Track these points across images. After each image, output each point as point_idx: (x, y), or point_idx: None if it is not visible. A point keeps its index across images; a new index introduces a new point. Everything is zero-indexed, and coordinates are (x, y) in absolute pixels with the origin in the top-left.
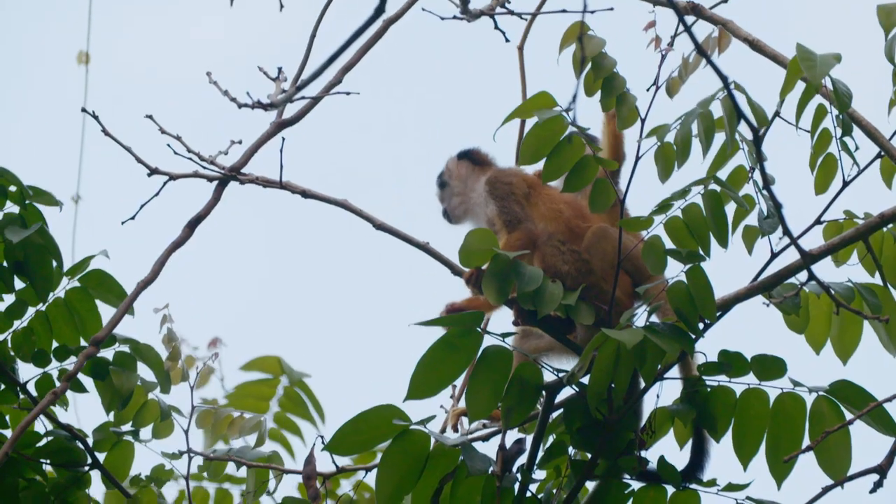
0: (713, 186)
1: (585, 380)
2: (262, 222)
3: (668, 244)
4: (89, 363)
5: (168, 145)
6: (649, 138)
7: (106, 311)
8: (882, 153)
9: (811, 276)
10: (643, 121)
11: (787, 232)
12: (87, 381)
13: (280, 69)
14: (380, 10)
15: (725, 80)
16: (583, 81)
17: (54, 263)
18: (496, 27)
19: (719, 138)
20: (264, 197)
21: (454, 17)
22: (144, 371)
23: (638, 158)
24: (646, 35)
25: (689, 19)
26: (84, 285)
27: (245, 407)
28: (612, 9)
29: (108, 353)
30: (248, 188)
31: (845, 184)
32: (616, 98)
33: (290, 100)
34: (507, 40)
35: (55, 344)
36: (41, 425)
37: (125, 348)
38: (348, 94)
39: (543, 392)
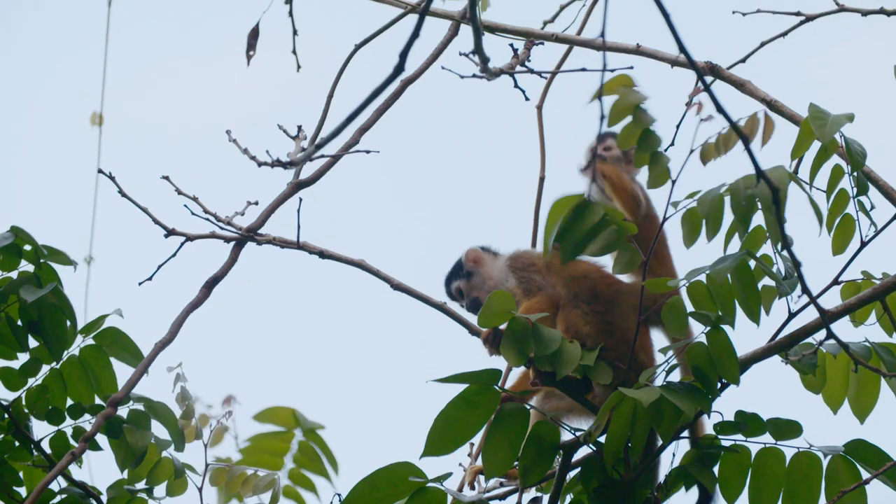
0: (743, 257)
1: (602, 438)
2: (280, 281)
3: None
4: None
5: (185, 206)
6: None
7: (120, 369)
8: None
9: (829, 335)
10: (673, 182)
11: (805, 289)
12: (101, 438)
13: (300, 127)
14: (399, 68)
15: (775, 190)
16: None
17: (68, 323)
18: (516, 85)
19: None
20: (282, 257)
21: (474, 76)
22: (159, 429)
23: (665, 220)
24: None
25: (708, 79)
26: (99, 343)
27: (259, 463)
28: (631, 67)
29: (122, 412)
30: (265, 248)
31: (863, 244)
32: (650, 155)
33: (310, 158)
34: (526, 99)
35: (69, 401)
36: (55, 483)
37: (140, 406)
38: (367, 152)
39: (561, 451)
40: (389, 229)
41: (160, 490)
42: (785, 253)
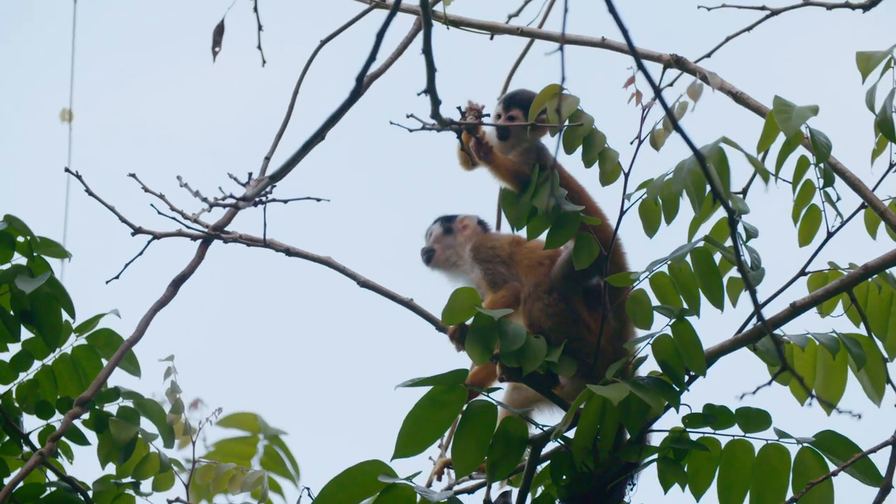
0: (700, 244)
1: (571, 433)
2: (248, 280)
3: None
4: (92, 415)
5: (151, 204)
6: (638, 191)
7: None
8: (865, 204)
9: (773, 337)
10: (626, 175)
11: (754, 300)
12: (90, 434)
13: (250, 174)
14: (357, 92)
15: (696, 151)
16: (563, 139)
17: (64, 314)
18: (463, 148)
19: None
20: (249, 255)
21: (423, 128)
22: (148, 426)
23: (622, 213)
24: (626, 91)
25: (675, 72)
26: (91, 344)
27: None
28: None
29: (112, 408)
30: (232, 246)
31: (829, 235)
32: (598, 154)
33: (264, 194)
34: (473, 164)
35: (59, 398)
36: (45, 477)
37: (129, 403)
38: (318, 200)
39: (529, 445)
40: (358, 226)
41: (147, 485)
42: (751, 244)
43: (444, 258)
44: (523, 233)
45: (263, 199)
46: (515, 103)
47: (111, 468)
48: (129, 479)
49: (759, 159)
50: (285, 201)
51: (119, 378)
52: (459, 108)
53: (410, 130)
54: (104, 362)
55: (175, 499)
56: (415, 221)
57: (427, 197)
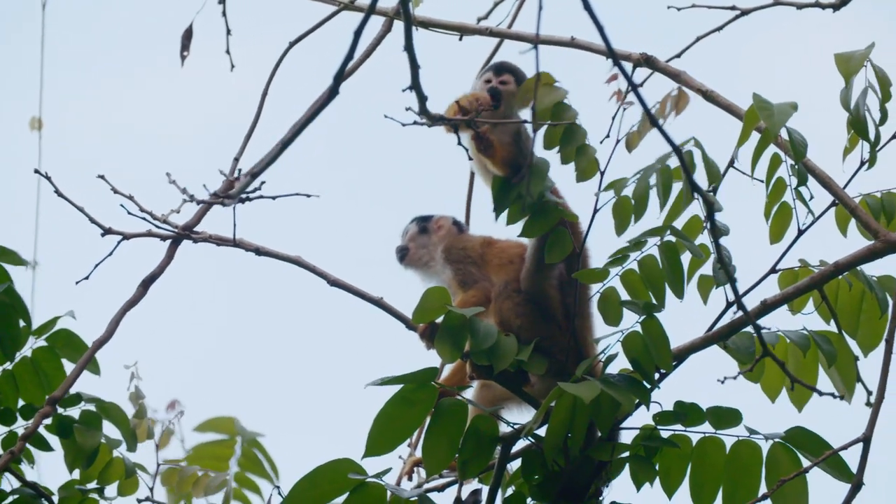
0: (669, 237)
1: (542, 430)
2: (219, 280)
3: (624, 296)
4: (55, 420)
5: (121, 205)
6: (607, 191)
7: (71, 370)
8: (836, 202)
9: (754, 325)
10: (602, 174)
11: (734, 289)
12: (53, 440)
13: (239, 170)
14: (333, 91)
15: (674, 145)
16: (543, 133)
17: (21, 323)
18: (459, 143)
19: (676, 187)
20: (220, 255)
21: (414, 123)
22: (111, 430)
23: (595, 212)
24: (604, 90)
25: (645, 71)
26: (51, 345)
27: (206, 466)
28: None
29: (74, 412)
30: (203, 247)
31: (800, 232)
32: (576, 150)
33: (245, 193)
34: (469, 159)
35: (21, 402)
36: (7, 483)
37: (91, 407)
38: (308, 196)
39: (500, 443)
40: (330, 225)
41: (111, 490)
42: (721, 242)
43: (418, 257)
44: (495, 232)
45: (250, 195)
46: (507, 69)
47: (74, 473)
48: (93, 485)
49: (734, 155)
50: (273, 198)
51: (80, 381)
52: (458, 100)
53: (403, 125)
54: (65, 363)
55: (145, 498)
56: (387, 220)
57: (400, 196)
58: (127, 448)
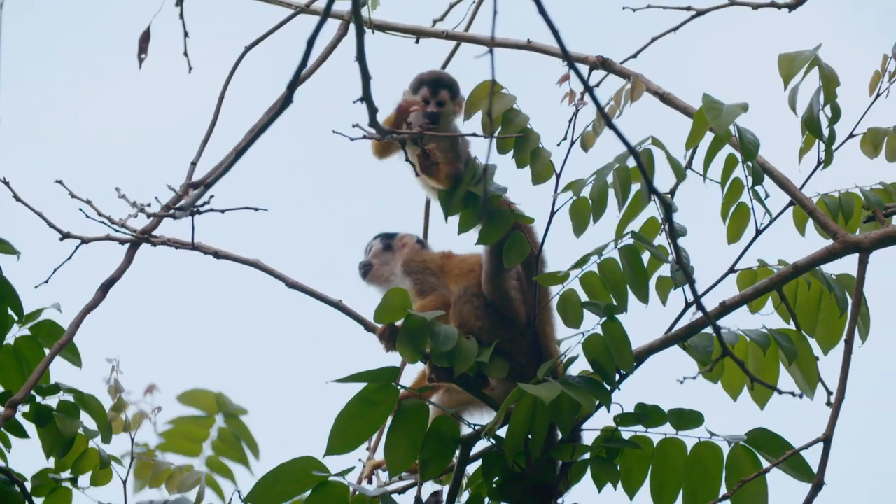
0: (629, 241)
1: (503, 432)
2: (179, 285)
3: (584, 298)
4: (33, 409)
5: (80, 209)
6: (564, 193)
7: (55, 363)
8: (793, 202)
9: (713, 326)
10: (558, 176)
11: (693, 290)
12: (29, 427)
13: (192, 184)
14: (287, 100)
15: (629, 146)
16: (496, 140)
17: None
18: (406, 159)
19: (635, 187)
20: (179, 260)
21: (364, 137)
22: (87, 421)
23: (553, 213)
24: (559, 90)
25: (601, 73)
26: (35, 334)
27: (178, 449)
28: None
29: (52, 402)
30: (163, 251)
31: (758, 232)
32: (530, 154)
33: (201, 203)
34: (416, 175)
35: (1, 389)
36: None
37: (69, 397)
38: (256, 209)
39: (459, 444)
40: (289, 229)
41: (84, 479)
42: (679, 242)
43: (380, 274)
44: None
45: (200, 208)
46: (444, 85)
47: (49, 462)
48: (67, 474)
49: (687, 157)
50: (222, 211)
51: (61, 373)
52: (399, 105)
53: (352, 139)
54: (47, 352)
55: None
56: (346, 224)
57: (357, 199)
58: (102, 440)
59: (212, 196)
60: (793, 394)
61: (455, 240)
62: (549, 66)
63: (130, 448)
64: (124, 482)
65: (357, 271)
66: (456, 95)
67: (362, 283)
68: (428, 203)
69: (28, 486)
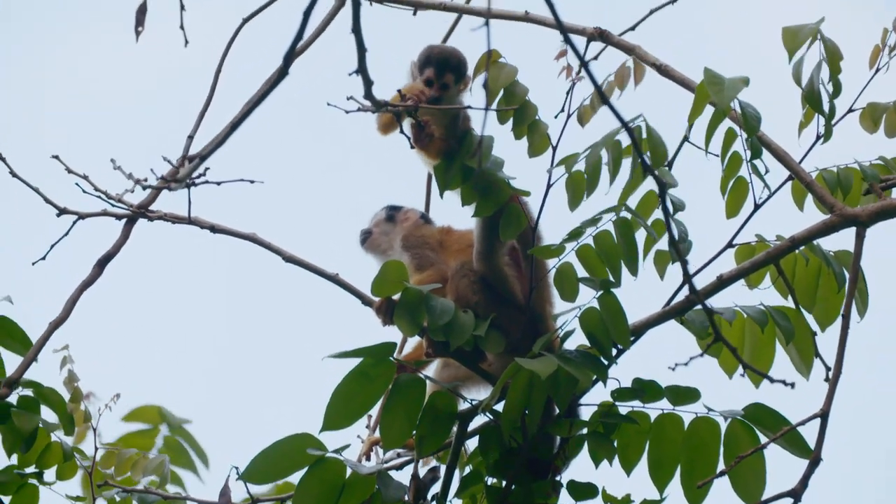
0: (624, 214)
1: (500, 406)
2: (176, 259)
3: (580, 271)
4: None
5: (76, 184)
6: (559, 167)
7: (7, 357)
8: (792, 176)
9: (705, 308)
10: (554, 149)
11: (685, 270)
12: None
13: (188, 157)
14: (283, 72)
15: (625, 123)
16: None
17: None
18: (401, 131)
19: (627, 162)
20: (176, 234)
21: (359, 110)
22: (48, 414)
23: (549, 187)
24: (557, 63)
25: (599, 45)
26: None
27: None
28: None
29: (12, 398)
30: (159, 226)
31: (756, 207)
32: (527, 126)
33: (197, 175)
34: (411, 147)
35: None
36: None
37: (29, 392)
38: (251, 182)
39: (457, 420)
40: (286, 202)
41: (50, 474)
42: (678, 216)
43: (378, 244)
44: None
45: (195, 180)
46: (450, 68)
47: (11, 459)
48: (31, 469)
49: (689, 131)
50: (218, 183)
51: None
52: (400, 90)
53: (347, 112)
54: (1, 349)
55: (103, 482)
56: (345, 197)
57: (354, 172)
58: (65, 433)
59: (207, 168)
60: (784, 382)
61: (456, 213)
62: (547, 38)
63: (94, 439)
64: (90, 474)
65: (357, 237)
66: (462, 76)
67: (360, 250)
68: (429, 177)
69: None
